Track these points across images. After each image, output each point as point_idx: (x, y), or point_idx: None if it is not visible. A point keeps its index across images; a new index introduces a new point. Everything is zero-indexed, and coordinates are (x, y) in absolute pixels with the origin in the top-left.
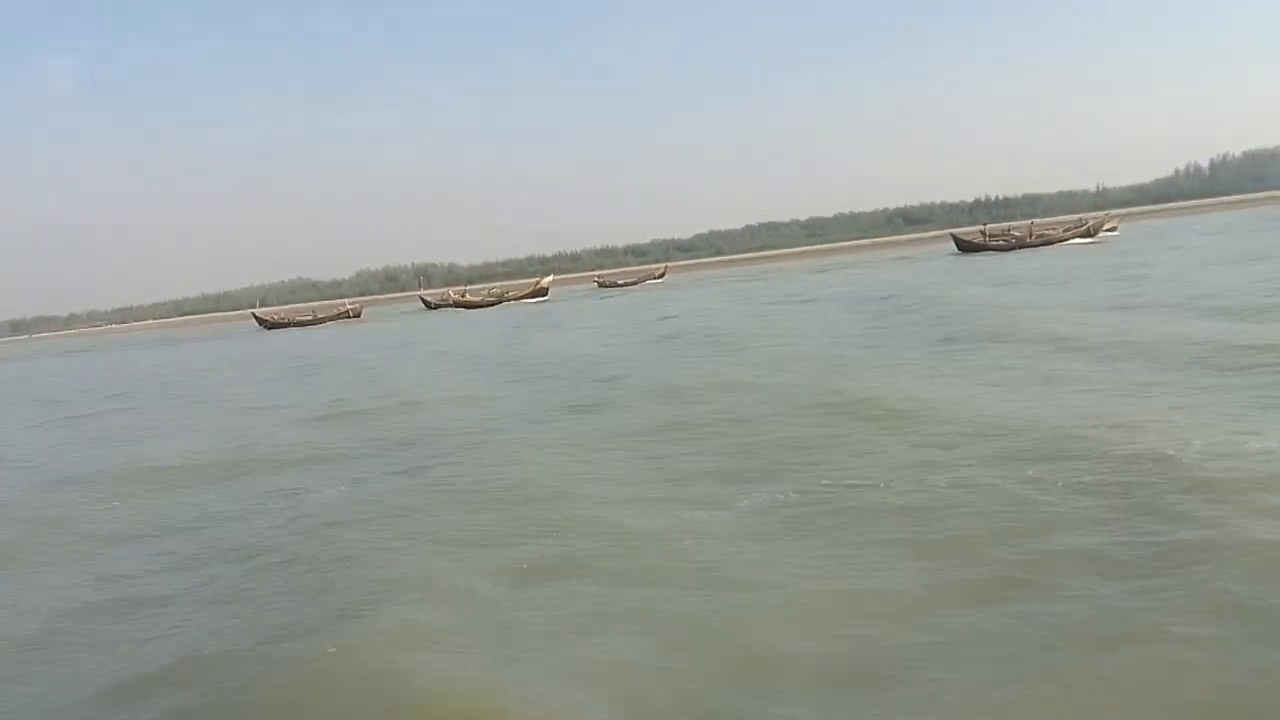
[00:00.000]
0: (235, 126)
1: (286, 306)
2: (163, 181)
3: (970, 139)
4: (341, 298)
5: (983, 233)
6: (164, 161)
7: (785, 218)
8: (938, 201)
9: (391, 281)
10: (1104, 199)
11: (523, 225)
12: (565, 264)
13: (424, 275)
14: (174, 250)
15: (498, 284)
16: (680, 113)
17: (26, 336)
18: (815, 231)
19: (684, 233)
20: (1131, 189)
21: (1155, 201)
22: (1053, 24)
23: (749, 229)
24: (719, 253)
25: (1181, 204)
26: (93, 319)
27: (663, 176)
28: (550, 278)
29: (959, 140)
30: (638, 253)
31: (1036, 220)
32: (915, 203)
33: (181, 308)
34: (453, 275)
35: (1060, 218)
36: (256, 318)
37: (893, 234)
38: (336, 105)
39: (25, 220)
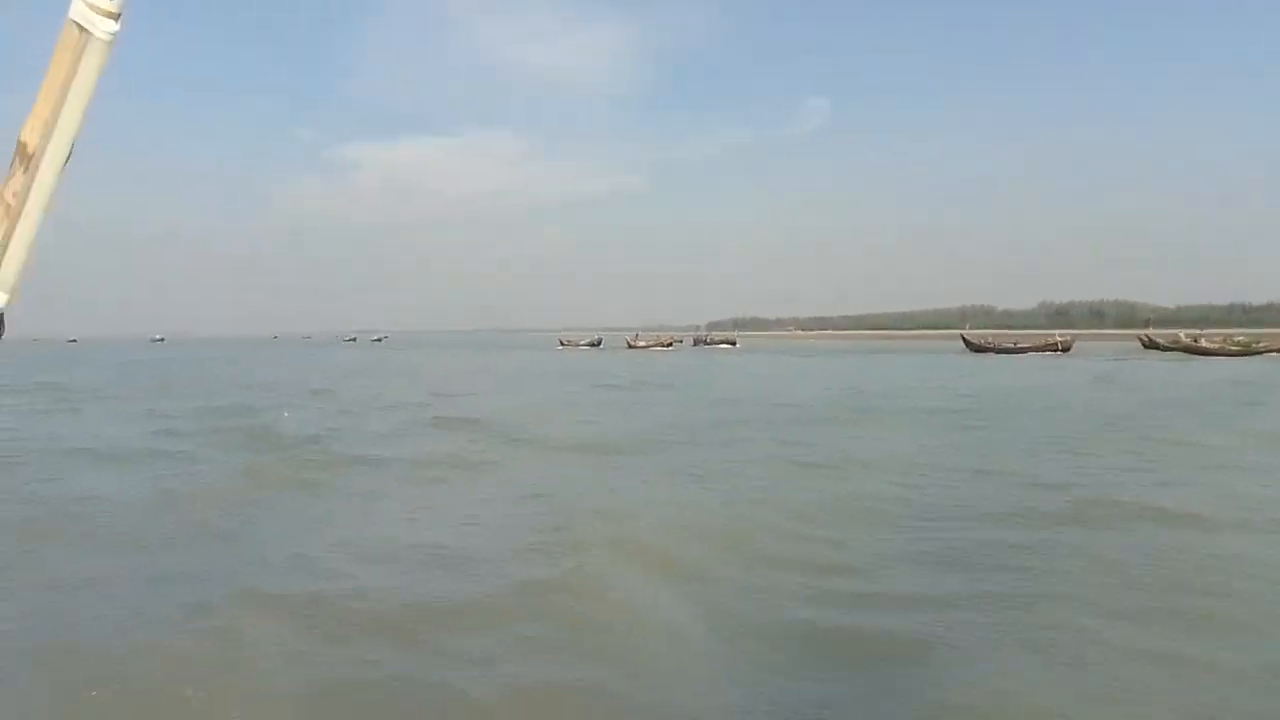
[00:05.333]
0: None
1: (990, 331)
2: (870, 209)
3: None
4: (1011, 328)
5: None
6: (876, 191)
7: None
8: None
9: (1060, 315)
10: None
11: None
12: None
13: (1152, 316)
14: (861, 272)
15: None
16: None
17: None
18: None
19: None
20: None
21: None
22: None
23: None
24: None
25: None
26: (793, 323)
27: None
28: None
29: None
30: None
31: None
32: None
33: (861, 322)
34: (1133, 315)
35: None
36: (965, 340)
37: None
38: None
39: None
